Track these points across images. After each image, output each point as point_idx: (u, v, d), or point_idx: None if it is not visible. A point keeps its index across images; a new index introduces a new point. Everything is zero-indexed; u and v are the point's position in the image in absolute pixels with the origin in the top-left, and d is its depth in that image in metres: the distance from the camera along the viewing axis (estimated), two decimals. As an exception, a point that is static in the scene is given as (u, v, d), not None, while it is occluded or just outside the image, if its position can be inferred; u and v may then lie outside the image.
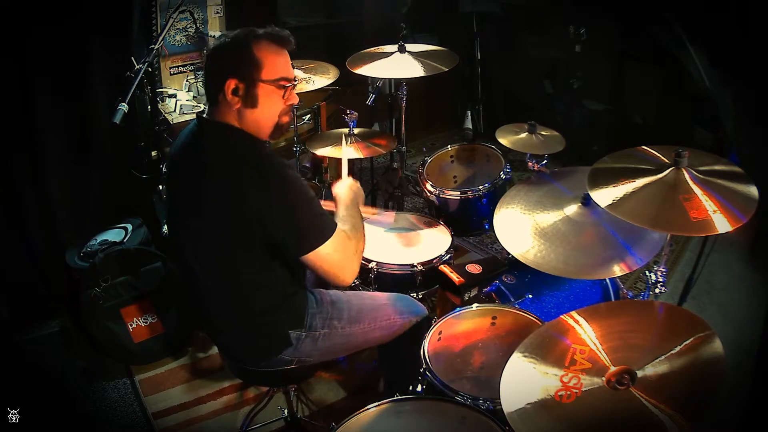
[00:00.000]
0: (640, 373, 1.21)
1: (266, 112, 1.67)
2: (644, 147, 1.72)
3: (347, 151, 2.47)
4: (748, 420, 1.92)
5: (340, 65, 2.96)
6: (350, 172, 2.09)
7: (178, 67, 3.33)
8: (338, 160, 2.21)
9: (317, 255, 1.63)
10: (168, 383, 2.62)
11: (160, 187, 2.79)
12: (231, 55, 1.63)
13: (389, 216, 2.70)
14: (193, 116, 3.05)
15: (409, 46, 2.88)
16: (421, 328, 1.95)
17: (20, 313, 2.86)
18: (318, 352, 1.87)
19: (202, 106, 3.17)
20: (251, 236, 1.62)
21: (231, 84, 1.61)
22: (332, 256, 1.65)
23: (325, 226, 1.65)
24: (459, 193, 2.66)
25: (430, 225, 2.61)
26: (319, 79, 2.90)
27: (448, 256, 2.38)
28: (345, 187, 1.98)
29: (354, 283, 2.38)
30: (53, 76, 2.72)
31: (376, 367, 2.45)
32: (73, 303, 2.76)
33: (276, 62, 1.65)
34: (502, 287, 2.20)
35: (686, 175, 1.55)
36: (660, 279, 1.72)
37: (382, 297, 2.03)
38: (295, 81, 1.73)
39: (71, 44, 2.72)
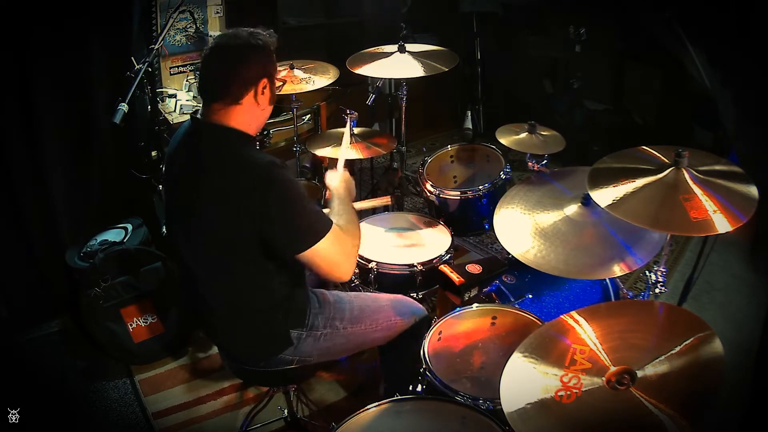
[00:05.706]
0: (640, 373, 1.21)
1: (269, 109, 1.73)
2: (644, 147, 1.72)
3: (345, 152, 2.37)
4: (748, 420, 1.92)
5: (340, 65, 2.96)
6: (350, 172, 2.09)
7: (178, 67, 3.33)
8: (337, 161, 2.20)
9: (314, 252, 1.62)
10: (168, 383, 2.62)
11: (160, 187, 2.79)
12: (262, 56, 1.65)
13: (386, 215, 2.70)
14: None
15: (409, 46, 2.88)
16: (421, 328, 1.95)
17: (20, 313, 2.86)
18: (319, 351, 1.87)
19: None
20: (248, 236, 1.62)
21: (262, 84, 1.65)
22: (328, 253, 1.64)
23: (320, 224, 1.64)
24: (459, 193, 2.66)
25: (430, 225, 2.60)
26: (319, 79, 2.90)
27: (448, 256, 2.38)
28: (339, 180, 1.99)
29: (354, 283, 2.38)
30: (53, 76, 2.72)
31: (377, 368, 2.45)
32: (73, 303, 2.77)
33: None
34: (502, 287, 2.20)
35: (686, 175, 1.55)
36: (660, 279, 1.72)
37: (383, 298, 2.03)
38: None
39: (71, 44, 2.72)
